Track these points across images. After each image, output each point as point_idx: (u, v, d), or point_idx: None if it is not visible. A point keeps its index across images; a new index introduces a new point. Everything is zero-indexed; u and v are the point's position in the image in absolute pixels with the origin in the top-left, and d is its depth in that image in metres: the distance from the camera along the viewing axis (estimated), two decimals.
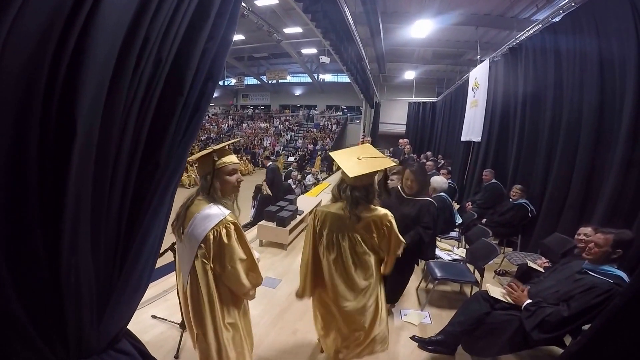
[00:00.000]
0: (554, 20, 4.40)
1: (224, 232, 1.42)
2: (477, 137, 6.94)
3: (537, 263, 3.16)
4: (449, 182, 4.99)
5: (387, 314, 2.07)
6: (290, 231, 4.65)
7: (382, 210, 1.81)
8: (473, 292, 3.26)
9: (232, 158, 1.54)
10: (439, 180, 4.33)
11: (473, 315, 2.27)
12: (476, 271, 3.24)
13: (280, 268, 4.01)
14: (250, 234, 4.98)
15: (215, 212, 1.44)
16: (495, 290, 2.37)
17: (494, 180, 5.53)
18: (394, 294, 2.84)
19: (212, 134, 23.81)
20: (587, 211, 3.54)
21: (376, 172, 1.78)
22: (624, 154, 2.95)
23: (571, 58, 3.99)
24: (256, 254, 1.68)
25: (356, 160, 1.76)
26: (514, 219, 4.43)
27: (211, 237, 1.42)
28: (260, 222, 4.80)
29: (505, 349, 2.12)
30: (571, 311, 1.90)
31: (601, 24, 3.44)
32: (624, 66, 3.08)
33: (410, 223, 2.64)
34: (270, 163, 8.95)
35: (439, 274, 3.09)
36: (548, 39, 4.55)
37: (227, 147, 1.56)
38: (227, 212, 1.47)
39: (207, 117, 26.50)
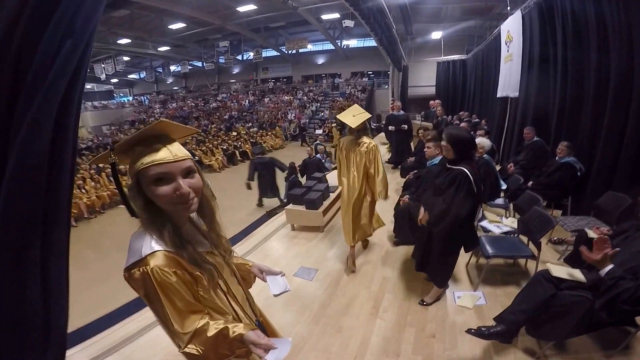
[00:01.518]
0: None
1: (136, 275, 0.88)
2: (514, 93, 6.48)
3: (598, 231, 2.63)
4: None
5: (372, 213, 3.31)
6: (325, 212, 4.20)
7: (371, 141, 3.06)
8: (528, 265, 3.08)
9: (159, 154, 0.90)
10: (485, 141, 4.18)
11: (537, 300, 2.01)
12: (530, 243, 2.99)
13: (316, 255, 3.70)
14: (281, 219, 4.71)
15: (138, 246, 0.91)
16: (558, 270, 2.09)
17: (536, 138, 5.15)
18: (440, 278, 2.67)
19: (233, 112, 23.64)
20: None
21: (365, 119, 2.99)
22: None
23: None
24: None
25: (352, 117, 2.97)
26: (562, 179, 4.09)
27: (128, 280, 0.92)
28: (287, 207, 4.46)
29: (573, 332, 1.93)
30: None
31: None
32: None
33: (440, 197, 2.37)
34: (257, 156, 7.78)
35: (490, 251, 2.78)
36: None
37: (137, 140, 0.93)
38: (156, 248, 0.91)
39: (228, 95, 26.22)
